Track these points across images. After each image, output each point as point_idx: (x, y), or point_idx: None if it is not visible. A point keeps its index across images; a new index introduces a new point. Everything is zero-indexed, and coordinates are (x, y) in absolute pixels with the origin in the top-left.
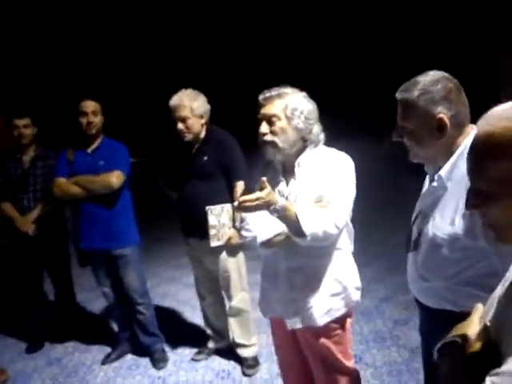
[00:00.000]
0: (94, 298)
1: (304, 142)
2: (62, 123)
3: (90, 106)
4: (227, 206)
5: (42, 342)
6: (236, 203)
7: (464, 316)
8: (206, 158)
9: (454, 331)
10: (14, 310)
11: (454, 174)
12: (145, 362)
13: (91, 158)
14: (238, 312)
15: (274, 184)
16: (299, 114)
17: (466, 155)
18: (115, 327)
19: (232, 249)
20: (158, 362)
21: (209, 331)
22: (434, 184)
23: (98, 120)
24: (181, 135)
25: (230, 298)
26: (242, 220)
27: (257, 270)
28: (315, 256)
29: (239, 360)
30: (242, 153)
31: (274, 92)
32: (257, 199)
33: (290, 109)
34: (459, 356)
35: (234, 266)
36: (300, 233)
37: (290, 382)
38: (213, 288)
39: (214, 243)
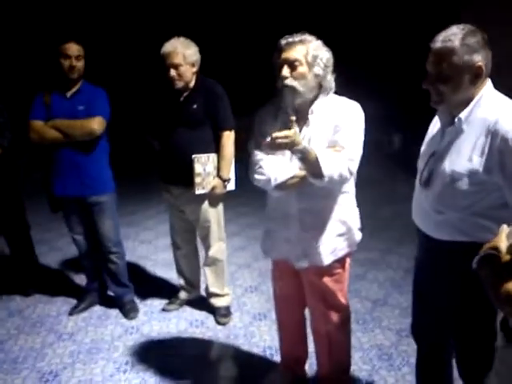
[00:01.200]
0: (52, 249)
1: (319, 89)
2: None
3: (73, 49)
4: (212, 155)
5: None
6: (268, 139)
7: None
8: (194, 106)
9: (486, 246)
10: None
11: (470, 118)
12: (115, 312)
13: (70, 103)
14: (214, 261)
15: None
16: (319, 60)
17: (481, 103)
18: (81, 278)
19: (214, 199)
20: (129, 312)
21: (181, 281)
22: (452, 127)
23: (80, 64)
24: (172, 82)
25: (207, 248)
26: (255, 163)
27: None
28: (324, 198)
29: (211, 310)
30: (230, 103)
31: (296, 38)
32: (286, 137)
33: (311, 55)
34: (498, 264)
35: (215, 216)
36: (318, 174)
37: (285, 321)
38: (189, 238)
39: (198, 191)
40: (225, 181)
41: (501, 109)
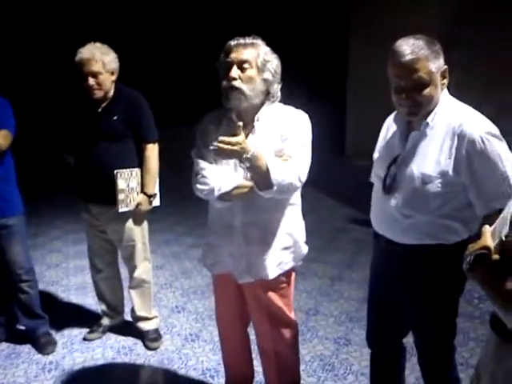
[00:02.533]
0: None
1: (266, 96)
2: None
3: None
4: (136, 170)
5: None
6: (214, 144)
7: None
8: (114, 117)
9: (474, 247)
10: None
11: (433, 122)
12: (27, 348)
13: None
14: (140, 283)
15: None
16: (269, 66)
17: (443, 107)
18: None
19: (138, 216)
20: (45, 346)
21: (103, 307)
22: (416, 132)
23: None
24: (90, 92)
25: (132, 269)
26: (198, 173)
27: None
28: (270, 210)
29: (139, 335)
30: (152, 113)
31: (247, 40)
32: (235, 143)
33: (261, 59)
34: (490, 264)
35: (139, 235)
36: (267, 184)
37: (229, 340)
38: (110, 260)
39: (122, 208)
40: (150, 196)
41: (462, 112)
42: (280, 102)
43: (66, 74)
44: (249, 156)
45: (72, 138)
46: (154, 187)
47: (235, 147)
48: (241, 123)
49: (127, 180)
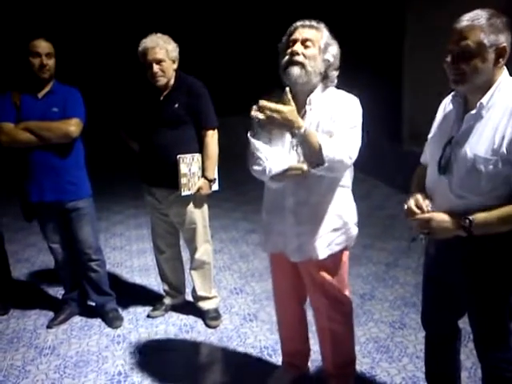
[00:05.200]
0: (19, 261)
1: (322, 80)
2: None
3: (43, 46)
4: (197, 155)
5: None
6: (254, 107)
7: None
8: (176, 105)
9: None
10: None
11: (490, 103)
12: (97, 322)
13: (42, 104)
14: (201, 264)
15: None
16: (330, 49)
17: (501, 88)
18: (54, 289)
19: (199, 200)
20: (113, 321)
21: (165, 287)
22: (472, 113)
23: (51, 63)
24: (154, 79)
25: (193, 251)
26: (253, 153)
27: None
28: (321, 192)
29: (199, 314)
30: (211, 100)
31: (312, 22)
32: (276, 111)
33: (324, 41)
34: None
35: (200, 218)
36: (319, 160)
37: (285, 316)
38: (172, 242)
39: (184, 192)
40: (210, 181)
41: None
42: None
43: (130, 64)
44: (301, 130)
45: (136, 125)
46: (213, 172)
47: (277, 115)
48: (290, 95)
49: (189, 165)
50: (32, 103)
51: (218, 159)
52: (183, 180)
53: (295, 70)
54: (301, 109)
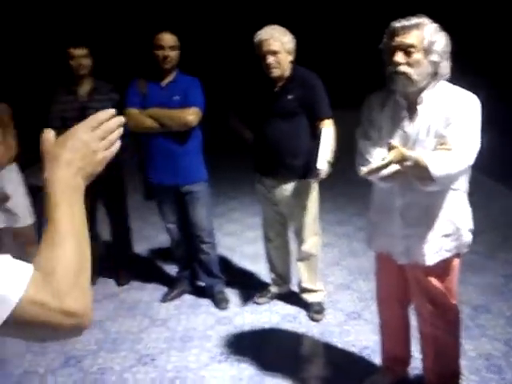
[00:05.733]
0: (141, 238)
1: (432, 77)
2: (120, 55)
3: (167, 39)
4: None
5: (97, 277)
6: (365, 170)
7: None
8: (290, 96)
9: None
10: None
11: None
12: (206, 302)
13: (165, 92)
14: (307, 256)
15: (395, 120)
16: (436, 47)
17: None
18: (170, 266)
19: (309, 191)
20: (220, 302)
21: (272, 275)
22: None
23: (174, 54)
24: (268, 70)
25: (301, 242)
26: (360, 153)
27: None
28: (431, 193)
29: (303, 305)
30: (326, 91)
31: (412, 21)
32: (387, 165)
33: (427, 41)
34: None
35: (310, 210)
36: (427, 180)
37: (388, 319)
38: (281, 231)
39: (321, 165)
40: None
41: None
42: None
43: (247, 56)
44: (409, 164)
45: (249, 115)
46: (330, 157)
47: (385, 169)
48: (393, 142)
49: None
50: (156, 91)
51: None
52: (322, 152)
53: (400, 81)
54: (412, 108)
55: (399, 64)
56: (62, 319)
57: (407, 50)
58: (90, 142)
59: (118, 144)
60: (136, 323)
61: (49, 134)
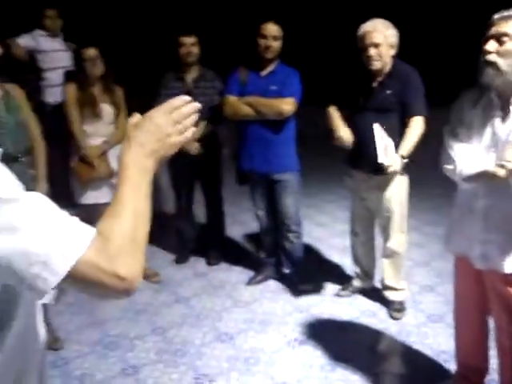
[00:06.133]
0: (235, 223)
1: None
2: (226, 44)
3: (271, 29)
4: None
5: (188, 256)
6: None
7: None
8: (388, 91)
9: None
10: (166, 222)
11: None
12: (288, 289)
13: (264, 82)
14: (392, 254)
15: (486, 119)
16: None
17: None
18: (262, 251)
19: (397, 188)
20: (301, 291)
21: (356, 269)
22: None
23: (276, 45)
24: (369, 62)
25: (386, 239)
26: (446, 151)
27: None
28: None
29: (384, 302)
30: (423, 89)
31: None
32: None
33: None
34: None
35: (398, 207)
36: None
37: (464, 326)
38: (367, 226)
39: (381, 159)
40: (403, 158)
41: None
42: None
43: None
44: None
45: (347, 109)
46: (407, 152)
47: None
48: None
49: (383, 136)
50: (255, 80)
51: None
52: (380, 147)
53: (488, 72)
54: (506, 108)
55: (489, 52)
56: (112, 281)
57: (500, 38)
58: (165, 126)
59: (191, 130)
60: (220, 302)
61: (133, 118)
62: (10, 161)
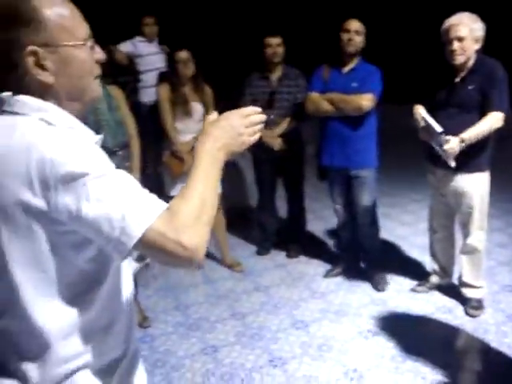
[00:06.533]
0: (317, 218)
1: None
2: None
3: (353, 24)
4: None
5: (270, 248)
6: None
7: None
8: (470, 87)
9: None
10: (250, 216)
11: None
12: (364, 282)
13: (345, 79)
14: (471, 250)
15: None
16: None
17: None
18: (339, 245)
19: (478, 185)
20: (378, 284)
21: (434, 266)
22: None
23: (358, 40)
24: (452, 57)
25: (466, 235)
26: None
27: None
28: None
29: (462, 299)
30: (507, 86)
31: None
32: None
33: None
34: None
35: (478, 203)
36: None
37: None
38: (446, 223)
39: (438, 128)
40: (462, 141)
41: None
42: None
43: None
44: None
45: (428, 105)
46: (469, 137)
47: None
48: None
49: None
50: (337, 77)
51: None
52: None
53: None
54: None
55: None
56: (176, 250)
57: None
58: (239, 127)
59: (257, 135)
60: (297, 292)
61: (211, 116)
62: (108, 154)
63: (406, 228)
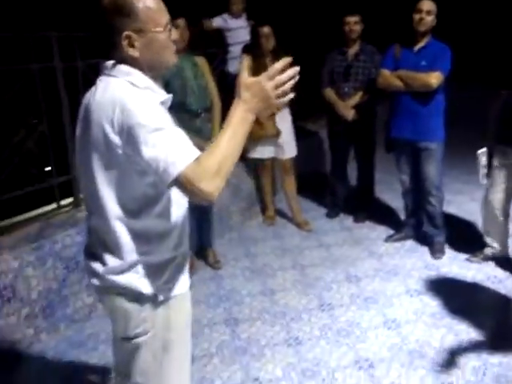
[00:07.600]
0: (388, 189)
1: None
2: (387, 22)
3: (425, 4)
4: None
5: (339, 212)
6: None
7: None
8: None
9: None
10: (322, 181)
11: None
12: (423, 248)
13: (415, 57)
14: None
15: None
16: None
17: None
18: (403, 212)
19: None
20: (436, 252)
21: (488, 239)
22: None
23: (429, 19)
24: None
25: None
26: None
27: None
28: None
29: None
30: None
31: None
32: None
33: None
34: None
35: None
36: None
37: None
38: (504, 198)
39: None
40: None
41: None
42: None
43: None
44: None
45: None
46: None
47: None
48: None
49: None
50: (408, 55)
51: None
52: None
53: None
54: None
55: None
56: (195, 192)
57: None
58: (268, 90)
59: (290, 95)
60: (356, 252)
61: (245, 80)
62: (193, 115)
63: (475, 204)
